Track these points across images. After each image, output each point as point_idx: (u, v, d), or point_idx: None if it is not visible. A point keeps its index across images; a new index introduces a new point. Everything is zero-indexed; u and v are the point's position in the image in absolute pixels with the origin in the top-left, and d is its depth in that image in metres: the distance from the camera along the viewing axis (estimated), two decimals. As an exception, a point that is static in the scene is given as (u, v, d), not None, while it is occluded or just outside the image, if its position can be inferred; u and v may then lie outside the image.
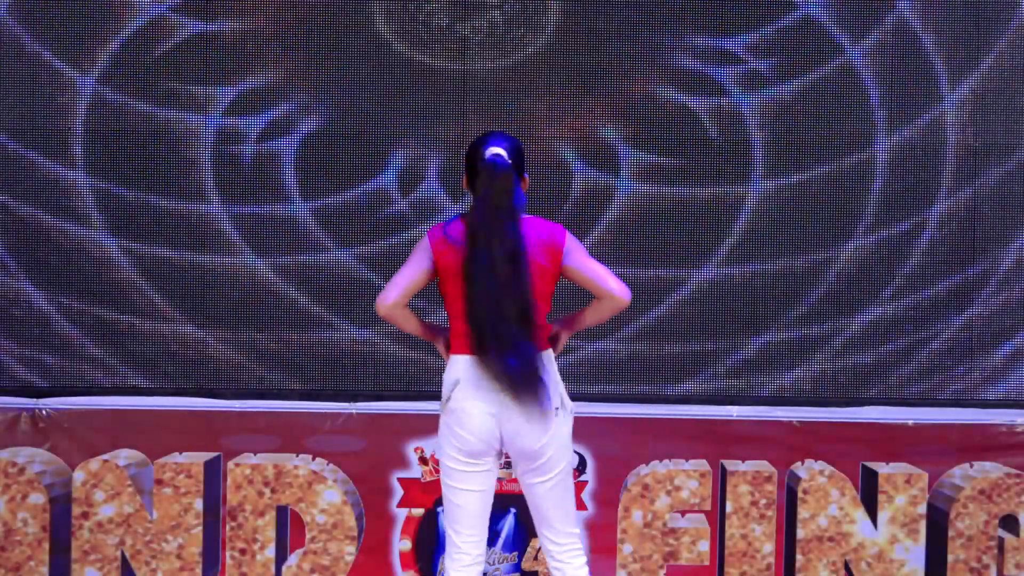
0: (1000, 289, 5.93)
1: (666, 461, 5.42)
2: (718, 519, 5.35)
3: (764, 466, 5.37)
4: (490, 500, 4.23)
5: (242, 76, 6.09)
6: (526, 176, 4.26)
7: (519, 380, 4.07)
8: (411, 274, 4.19)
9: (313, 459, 5.49)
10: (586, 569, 4.28)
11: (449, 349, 4.23)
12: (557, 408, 4.15)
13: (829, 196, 6.00)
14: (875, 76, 5.97)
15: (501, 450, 4.19)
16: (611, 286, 4.17)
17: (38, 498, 5.35)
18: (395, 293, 4.18)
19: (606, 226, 6.02)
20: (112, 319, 6.08)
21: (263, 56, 6.09)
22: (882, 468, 5.36)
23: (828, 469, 5.35)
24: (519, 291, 4.07)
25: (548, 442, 4.13)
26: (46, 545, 5.35)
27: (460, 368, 4.16)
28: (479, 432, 4.13)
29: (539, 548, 4.36)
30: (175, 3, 6.08)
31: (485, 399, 4.12)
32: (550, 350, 4.21)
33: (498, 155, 4.14)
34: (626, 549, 5.29)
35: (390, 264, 5.94)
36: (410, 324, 4.29)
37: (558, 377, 4.20)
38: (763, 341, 5.98)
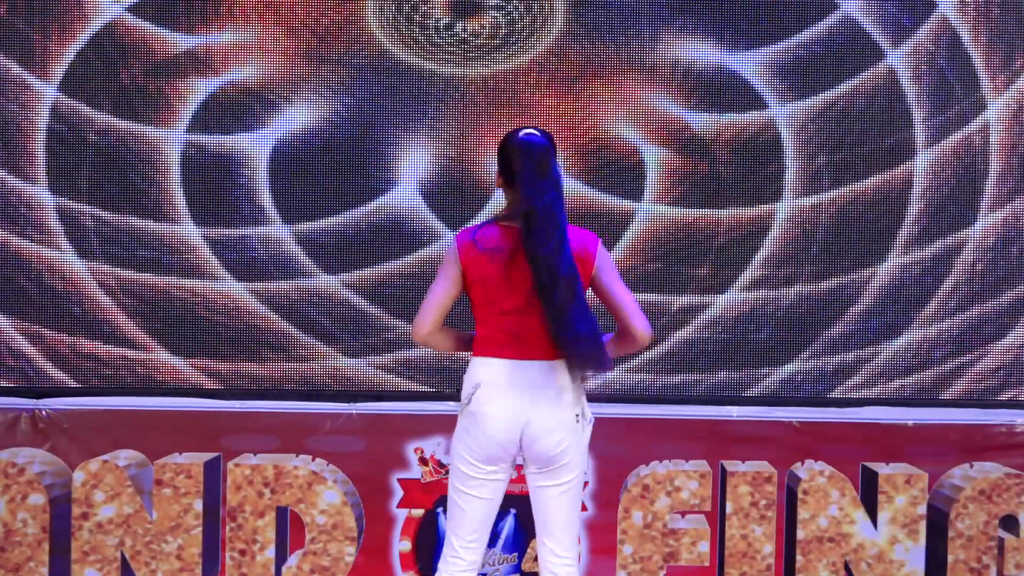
0: (1000, 289, 5.92)
1: (666, 462, 5.42)
2: (718, 520, 5.35)
3: (764, 466, 5.37)
4: (496, 508, 4.21)
5: (218, 84, 6.01)
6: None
7: (585, 348, 4.04)
8: (441, 292, 4.14)
9: (313, 459, 5.49)
10: None
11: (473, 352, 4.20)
12: (577, 415, 4.14)
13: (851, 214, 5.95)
14: (914, 83, 5.86)
15: (516, 457, 4.16)
16: (635, 323, 4.13)
17: (38, 498, 5.35)
18: (428, 319, 4.14)
19: (622, 248, 5.96)
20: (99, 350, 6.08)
21: (241, 63, 6.03)
22: (882, 468, 5.36)
23: (828, 469, 5.35)
24: (568, 264, 4.01)
25: (566, 449, 4.11)
26: (46, 545, 5.35)
27: (484, 371, 4.12)
28: (499, 436, 4.09)
29: (538, 550, 4.36)
30: (132, 4, 5.98)
31: (508, 403, 4.10)
32: None
33: (532, 134, 4.14)
34: (626, 550, 5.29)
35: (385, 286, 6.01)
36: (448, 343, 4.24)
37: (580, 387, 4.18)
38: (765, 343, 5.97)
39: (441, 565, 4.23)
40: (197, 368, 6.01)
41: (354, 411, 5.77)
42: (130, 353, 6.02)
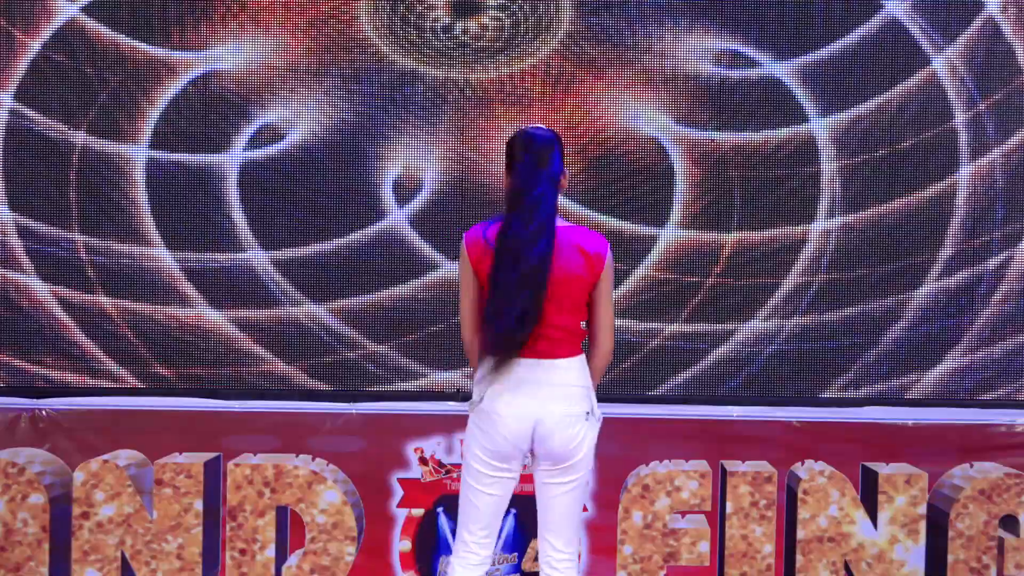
0: (1001, 289, 5.92)
1: (666, 462, 5.42)
2: (718, 520, 5.35)
3: (764, 466, 5.37)
4: (506, 504, 4.26)
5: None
6: (566, 172, 4.25)
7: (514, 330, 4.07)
8: (469, 300, 4.20)
9: (313, 459, 5.49)
10: None
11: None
12: (587, 413, 4.17)
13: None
14: (957, 89, 5.78)
15: (527, 453, 4.19)
16: (604, 339, 4.24)
17: (38, 498, 5.35)
18: (465, 333, 4.23)
19: (643, 273, 5.95)
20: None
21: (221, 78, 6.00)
22: (882, 468, 5.35)
23: (828, 469, 5.34)
24: (543, 260, 4.04)
25: (577, 446, 4.15)
26: (46, 545, 5.34)
27: (493, 368, 4.14)
28: (511, 434, 4.12)
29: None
30: (88, 5, 5.91)
31: (518, 401, 4.11)
32: (583, 355, 4.21)
33: (539, 128, 4.22)
34: (626, 550, 5.28)
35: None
36: (475, 359, 4.28)
37: (590, 384, 4.21)
38: (766, 343, 5.97)
39: (453, 559, 4.25)
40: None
41: (354, 411, 5.77)
42: (93, 381, 6.02)
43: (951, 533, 5.30)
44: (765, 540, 5.30)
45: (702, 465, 5.37)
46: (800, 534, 5.31)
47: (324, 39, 5.95)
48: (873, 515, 5.31)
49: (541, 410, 4.12)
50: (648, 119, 5.90)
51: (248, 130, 5.96)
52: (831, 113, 5.84)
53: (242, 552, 5.33)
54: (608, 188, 5.93)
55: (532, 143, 4.14)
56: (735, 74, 5.88)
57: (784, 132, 5.86)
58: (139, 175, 5.93)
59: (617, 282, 5.82)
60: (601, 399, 5.82)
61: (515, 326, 4.04)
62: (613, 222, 5.89)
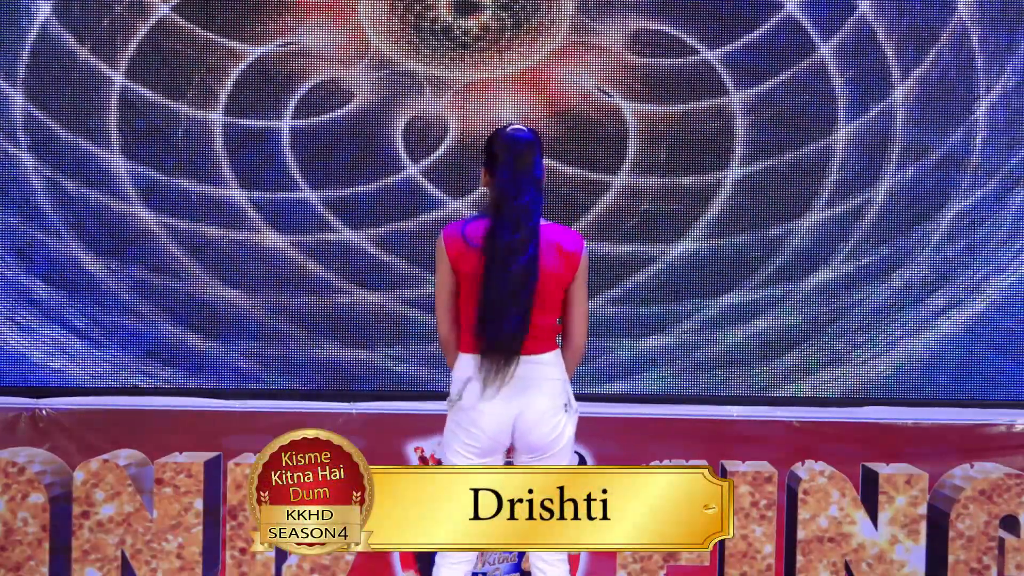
0: (1000, 289, 5.92)
1: (666, 461, 5.42)
2: (718, 519, 5.34)
3: (764, 466, 5.37)
4: None
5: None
6: (545, 170, 4.27)
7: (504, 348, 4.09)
8: (445, 295, 4.21)
9: (313, 459, 5.48)
10: None
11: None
12: (565, 405, 4.19)
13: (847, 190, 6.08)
14: (839, 73, 6.07)
15: (507, 448, 4.21)
16: (578, 333, 4.24)
17: (38, 498, 5.35)
18: (441, 316, 4.22)
19: (599, 212, 6.11)
20: (110, 320, 6.09)
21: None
22: (882, 469, 5.35)
23: (828, 470, 5.34)
24: (530, 267, 4.06)
25: (557, 437, 4.17)
26: (46, 545, 5.34)
27: (472, 366, 4.15)
28: (492, 430, 4.14)
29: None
30: (177, 4, 6.13)
31: (500, 397, 4.12)
32: (559, 350, 4.22)
33: (520, 129, 4.19)
34: (626, 549, 5.29)
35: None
36: (451, 356, 4.30)
37: (566, 376, 4.22)
38: (765, 342, 5.98)
39: (438, 558, 4.25)
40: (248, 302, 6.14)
41: (354, 411, 5.77)
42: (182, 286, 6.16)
43: (951, 533, 5.30)
44: (765, 540, 5.30)
45: (702, 465, 5.37)
46: (800, 534, 5.31)
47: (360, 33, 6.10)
48: (873, 515, 5.31)
49: (522, 406, 4.13)
50: (612, 95, 6.10)
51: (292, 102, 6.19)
52: (747, 88, 6.12)
53: (242, 552, 5.33)
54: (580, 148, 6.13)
55: (516, 146, 4.13)
56: (677, 60, 6.08)
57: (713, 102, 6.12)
58: (217, 136, 6.21)
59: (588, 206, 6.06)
60: (601, 399, 5.89)
61: (510, 337, 4.06)
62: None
